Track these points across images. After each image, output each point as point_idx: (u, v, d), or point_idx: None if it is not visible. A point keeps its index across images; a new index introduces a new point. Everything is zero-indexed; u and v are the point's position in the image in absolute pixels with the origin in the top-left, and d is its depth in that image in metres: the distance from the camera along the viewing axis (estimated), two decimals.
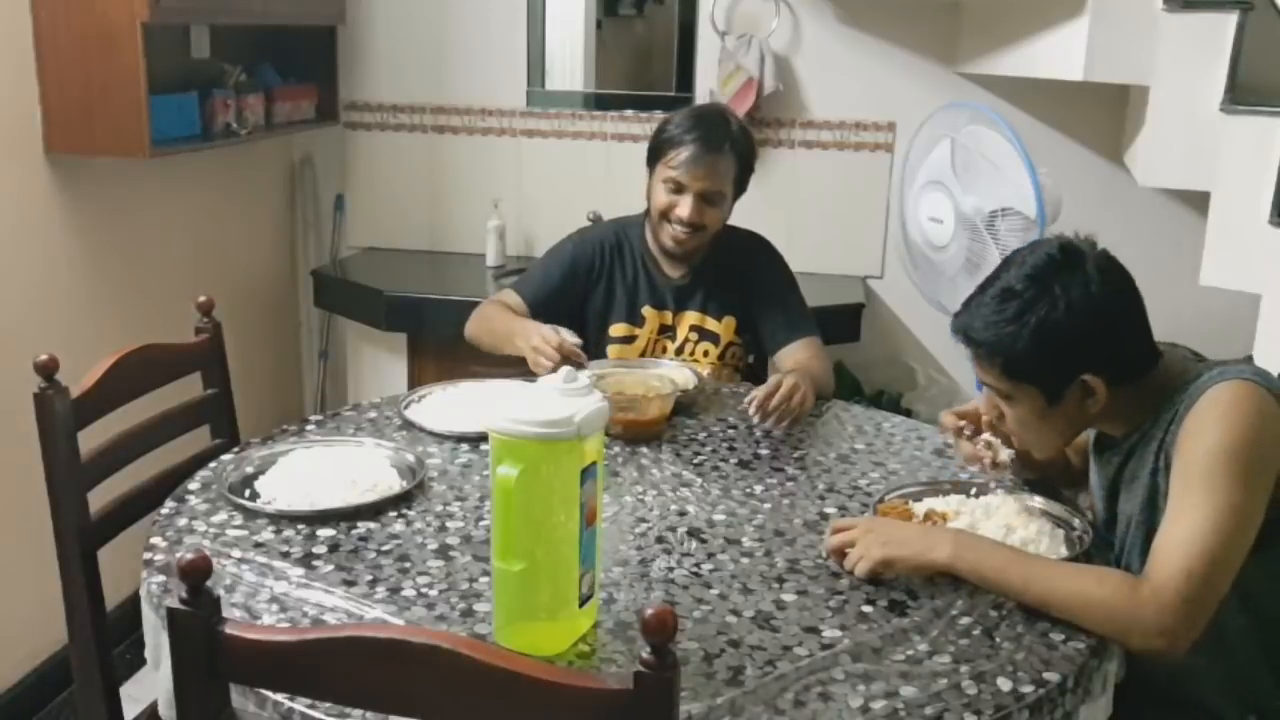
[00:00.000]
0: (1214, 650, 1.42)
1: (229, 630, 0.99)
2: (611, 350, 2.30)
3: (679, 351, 2.31)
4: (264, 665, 1.00)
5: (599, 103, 3.39)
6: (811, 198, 3.31)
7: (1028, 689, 1.22)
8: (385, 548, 1.49)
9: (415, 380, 3.10)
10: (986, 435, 1.67)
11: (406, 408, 1.97)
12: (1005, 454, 1.66)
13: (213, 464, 1.76)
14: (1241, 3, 2.32)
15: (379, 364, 3.27)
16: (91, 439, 1.72)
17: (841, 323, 3.00)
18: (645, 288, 2.32)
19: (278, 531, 1.53)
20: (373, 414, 1.99)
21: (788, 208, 3.27)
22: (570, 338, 2.10)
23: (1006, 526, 1.55)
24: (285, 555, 1.46)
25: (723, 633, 1.32)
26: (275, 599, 1.36)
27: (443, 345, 3.07)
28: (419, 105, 3.46)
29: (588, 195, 3.29)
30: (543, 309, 2.28)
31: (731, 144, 2.21)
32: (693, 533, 1.57)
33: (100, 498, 1.74)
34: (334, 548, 1.49)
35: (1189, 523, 1.33)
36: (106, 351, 1.80)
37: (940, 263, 2.67)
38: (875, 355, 3.32)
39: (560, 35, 3.39)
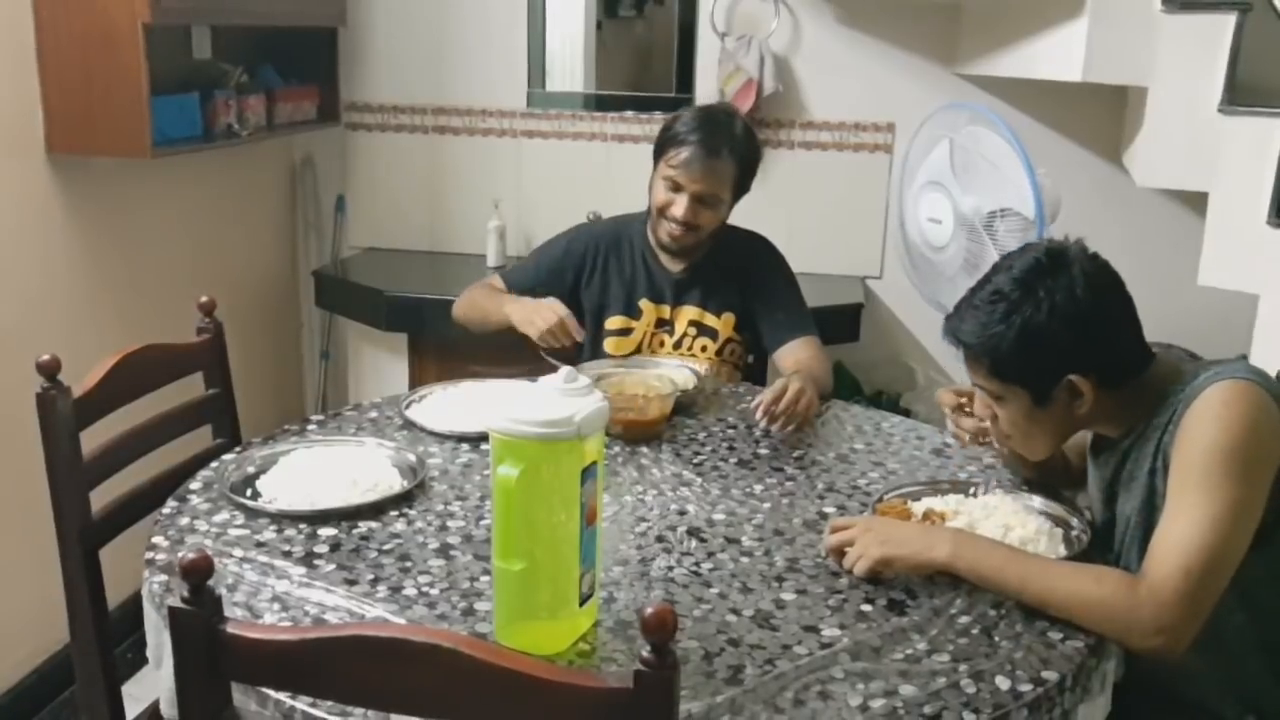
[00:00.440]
0: (1212, 649, 1.43)
1: (231, 629, 1.00)
2: (608, 343, 2.31)
3: (677, 346, 2.32)
4: (265, 664, 1.01)
5: (599, 104, 3.39)
6: (811, 198, 3.31)
7: (1026, 688, 1.23)
8: (386, 547, 1.50)
9: (416, 380, 3.10)
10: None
11: (407, 408, 1.98)
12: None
13: (214, 464, 1.76)
14: (1240, 3, 2.32)
15: (380, 364, 3.28)
16: (93, 439, 1.72)
17: (841, 323, 3.01)
18: (643, 281, 2.34)
19: (279, 531, 1.54)
20: (373, 414, 2.00)
21: (788, 208, 3.27)
22: (560, 309, 2.17)
23: (1005, 526, 1.55)
24: (287, 554, 1.47)
25: (722, 632, 1.32)
26: (277, 598, 1.36)
27: (443, 345, 3.07)
28: (419, 106, 3.46)
29: (588, 196, 3.29)
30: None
31: (732, 148, 2.22)
32: (693, 532, 1.58)
33: (102, 497, 1.74)
34: (335, 547, 1.49)
35: (1187, 521, 1.34)
36: (108, 351, 1.80)
37: (939, 263, 2.67)
38: (874, 355, 3.32)
39: (560, 36, 3.39)
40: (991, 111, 2.60)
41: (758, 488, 1.74)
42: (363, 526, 1.55)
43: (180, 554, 0.99)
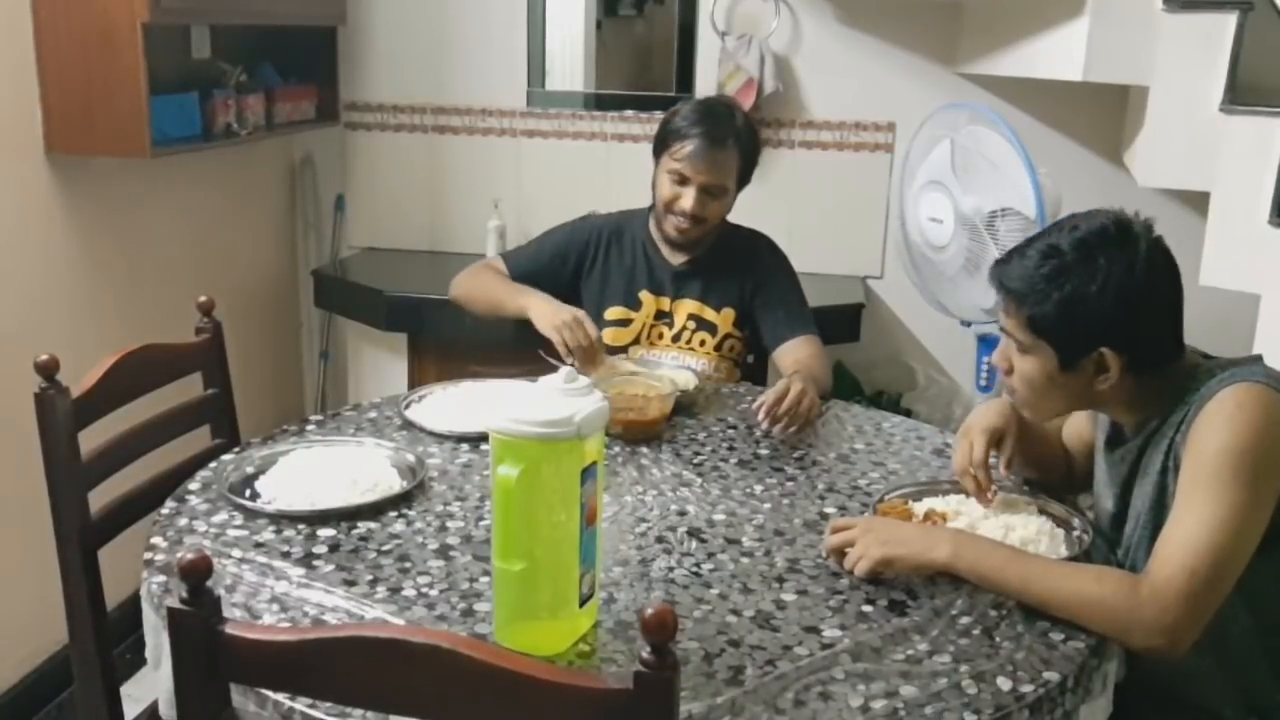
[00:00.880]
0: (1216, 651, 1.43)
1: (229, 630, 0.99)
2: (607, 334, 2.32)
3: (676, 339, 2.32)
4: (264, 665, 1.01)
5: (599, 103, 3.39)
6: (811, 198, 3.31)
7: (1027, 688, 1.23)
8: (385, 547, 1.50)
9: (415, 380, 3.09)
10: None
11: (407, 408, 1.97)
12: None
13: (213, 464, 1.76)
14: (1241, 3, 2.32)
15: (379, 364, 3.27)
16: (92, 439, 1.72)
17: (841, 323, 3.00)
18: (644, 272, 2.35)
19: (278, 531, 1.53)
20: (373, 414, 1.99)
21: (788, 208, 3.27)
22: (592, 330, 2.17)
23: (1006, 526, 1.55)
24: (286, 555, 1.46)
25: (723, 632, 1.32)
26: (276, 599, 1.36)
27: (443, 345, 3.07)
28: (419, 105, 3.46)
29: (588, 195, 3.28)
30: (526, 284, 2.35)
31: (736, 138, 2.24)
32: (693, 532, 1.58)
33: (101, 498, 1.74)
34: (334, 547, 1.49)
35: (1194, 522, 1.33)
36: (107, 351, 1.80)
37: (940, 263, 2.67)
38: (875, 355, 3.32)
39: (560, 35, 3.39)
40: (992, 111, 2.60)
41: (758, 488, 1.74)
42: (362, 527, 1.55)
43: (179, 554, 0.99)
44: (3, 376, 2.31)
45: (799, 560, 1.50)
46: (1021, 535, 1.53)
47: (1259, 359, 1.50)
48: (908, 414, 2.93)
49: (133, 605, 1.49)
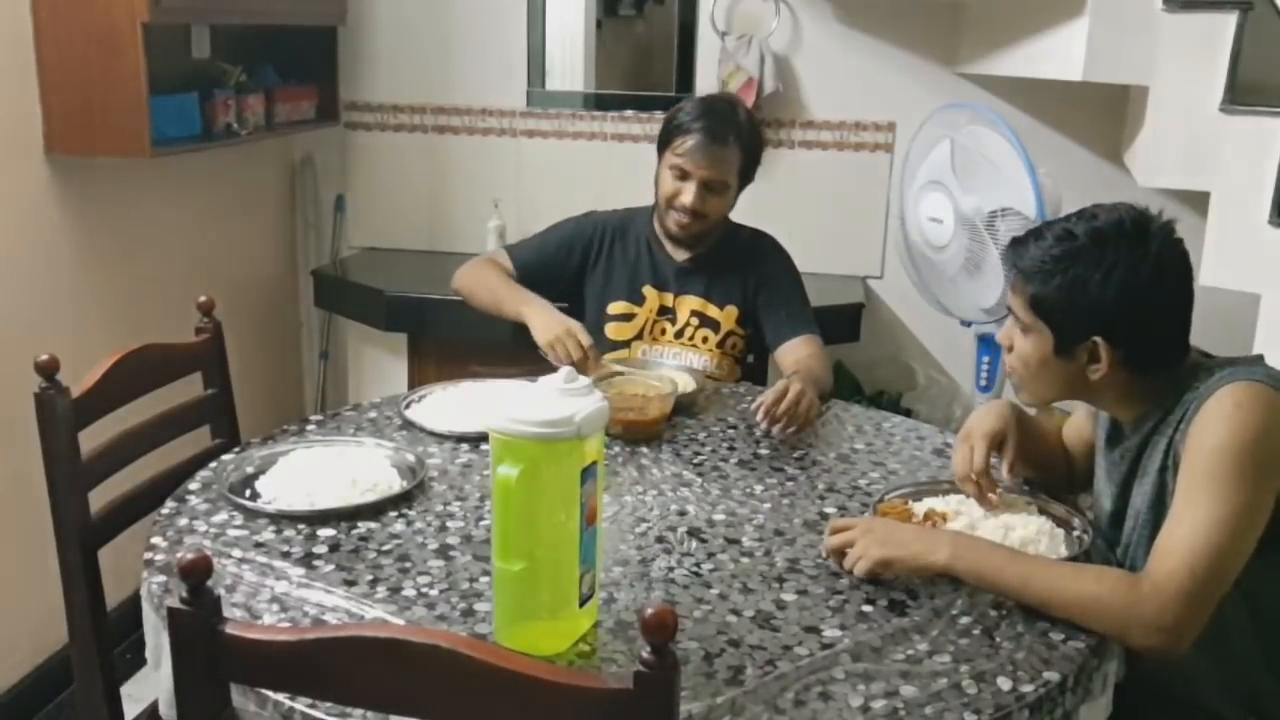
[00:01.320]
0: (1215, 650, 1.42)
1: (229, 630, 0.99)
2: (610, 328, 2.32)
3: (678, 335, 2.32)
4: (264, 665, 1.01)
5: (599, 103, 3.39)
6: (811, 198, 3.31)
7: (1028, 688, 1.23)
8: (386, 548, 1.50)
9: (415, 380, 3.09)
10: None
11: (407, 408, 1.97)
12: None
13: (213, 464, 1.76)
14: (1241, 3, 2.32)
15: (379, 364, 3.27)
16: (92, 439, 1.72)
17: (841, 323, 3.00)
18: (647, 267, 2.35)
19: (278, 531, 1.53)
20: (373, 414, 1.99)
21: (788, 208, 3.27)
22: (586, 341, 2.16)
23: (1006, 526, 1.55)
24: (286, 555, 1.46)
25: (723, 632, 1.32)
26: (276, 599, 1.36)
27: (443, 345, 3.07)
28: (419, 105, 3.46)
29: (588, 195, 3.27)
30: (530, 278, 2.36)
31: (737, 135, 2.25)
32: (693, 532, 1.58)
33: (101, 498, 1.74)
34: (334, 548, 1.49)
35: (1193, 520, 1.34)
36: (107, 351, 1.80)
37: (940, 263, 2.67)
38: (875, 355, 3.32)
39: (560, 35, 3.39)
40: (992, 111, 2.60)
41: (758, 488, 1.74)
42: (362, 527, 1.55)
43: (179, 554, 0.99)
44: (3, 376, 2.31)
45: (799, 560, 1.50)
46: (1021, 535, 1.53)
47: (1260, 359, 1.50)
48: (908, 414, 2.93)
49: (133, 605, 1.49)
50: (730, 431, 1.98)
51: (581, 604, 1.27)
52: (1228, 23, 2.33)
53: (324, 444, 1.81)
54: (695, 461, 1.84)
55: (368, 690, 0.99)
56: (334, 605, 1.35)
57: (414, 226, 3.54)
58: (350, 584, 1.40)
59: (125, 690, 1.80)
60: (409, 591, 1.39)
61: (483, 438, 1.74)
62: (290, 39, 3.17)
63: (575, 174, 3.40)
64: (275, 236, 3.48)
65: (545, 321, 2.22)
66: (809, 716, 1.17)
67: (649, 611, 0.90)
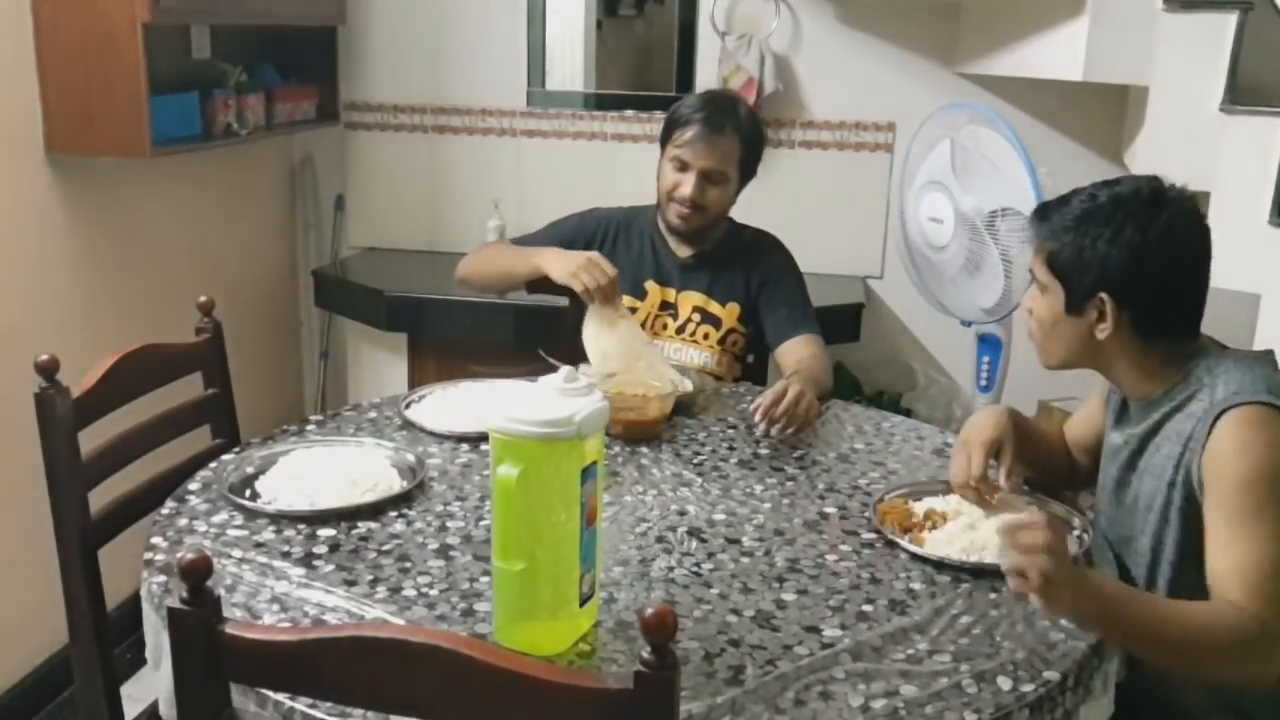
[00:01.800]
0: None
1: (230, 630, 0.99)
2: None
3: (680, 330, 2.33)
4: (265, 665, 1.01)
5: (599, 103, 3.39)
6: (811, 198, 3.31)
7: (1028, 688, 1.22)
8: (386, 547, 1.50)
9: (415, 380, 3.10)
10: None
11: (407, 408, 1.97)
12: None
13: (213, 464, 1.76)
14: (1241, 3, 2.32)
15: (379, 364, 3.27)
16: (92, 439, 1.72)
17: (841, 323, 3.00)
18: (650, 262, 2.36)
19: (278, 531, 1.53)
20: (373, 414, 1.99)
21: (788, 208, 3.26)
22: (609, 269, 2.14)
23: None
24: (286, 555, 1.46)
25: (723, 632, 1.32)
26: (276, 599, 1.36)
27: (443, 345, 3.07)
28: (419, 105, 3.46)
29: (588, 195, 3.26)
30: None
31: (737, 126, 2.25)
32: (693, 532, 1.58)
33: (101, 498, 1.74)
34: (334, 548, 1.49)
35: (1253, 550, 1.35)
36: (107, 351, 1.80)
37: (940, 263, 2.67)
38: (875, 355, 3.32)
39: (560, 35, 3.39)
40: (992, 111, 2.60)
41: (758, 488, 1.74)
42: (362, 527, 1.55)
43: (179, 554, 0.99)
44: (3, 376, 2.31)
45: (799, 560, 1.50)
46: None
47: (1270, 354, 1.52)
48: (908, 414, 2.93)
49: (133, 605, 1.49)
50: (730, 431, 1.98)
51: (581, 604, 1.27)
52: (1228, 23, 2.33)
53: (324, 444, 1.80)
54: (695, 461, 1.84)
55: (368, 690, 0.99)
56: (334, 605, 1.35)
57: (414, 226, 3.54)
58: (350, 584, 1.40)
59: (125, 690, 1.80)
60: (409, 591, 1.39)
61: (483, 438, 1.74)
62: (290, 39, 3.18)
63: (575, 174, 3.40)
64: (275, 236, 3.48)
65: (562, 259, 2.18)
66: (809, 716, 1.17)
67: (649, 611, 0.90)
